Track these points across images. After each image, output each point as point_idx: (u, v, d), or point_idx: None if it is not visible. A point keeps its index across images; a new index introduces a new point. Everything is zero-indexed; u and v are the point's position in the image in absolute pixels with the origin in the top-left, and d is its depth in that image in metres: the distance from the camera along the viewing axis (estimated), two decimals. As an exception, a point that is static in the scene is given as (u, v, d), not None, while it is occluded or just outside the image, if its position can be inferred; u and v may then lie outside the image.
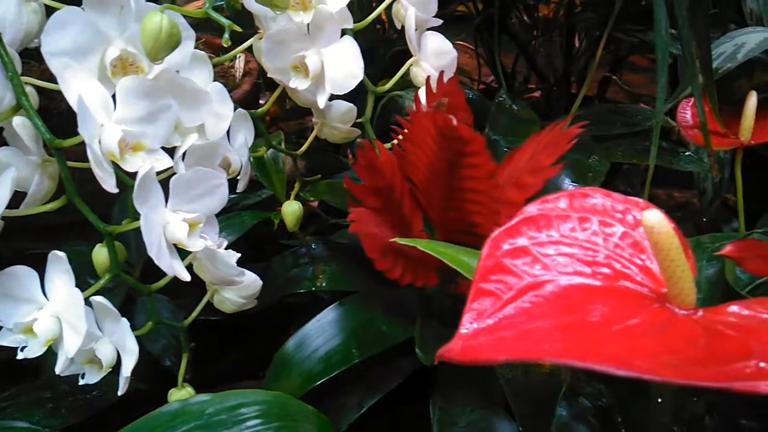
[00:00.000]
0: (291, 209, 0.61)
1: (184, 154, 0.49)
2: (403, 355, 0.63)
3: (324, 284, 0.71)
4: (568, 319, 0.26)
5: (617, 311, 0.26)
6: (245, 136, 0.56)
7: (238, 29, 0.45)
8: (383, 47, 1.02)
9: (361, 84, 0.54)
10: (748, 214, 0.76)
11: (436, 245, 0.38)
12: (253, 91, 0.94)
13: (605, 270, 0.28)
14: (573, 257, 0.29)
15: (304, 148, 0.64)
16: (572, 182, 0.79)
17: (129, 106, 0.44)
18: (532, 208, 0.30)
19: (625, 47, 1.13)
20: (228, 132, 0.58)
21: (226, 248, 0.51)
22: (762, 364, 0.22)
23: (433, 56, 0.54)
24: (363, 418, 0.62)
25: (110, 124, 0.42)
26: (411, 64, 0.56)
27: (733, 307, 0.26)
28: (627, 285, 0.28)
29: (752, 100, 0.59)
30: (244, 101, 0.96)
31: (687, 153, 0.83)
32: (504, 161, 0.54)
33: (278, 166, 0.67)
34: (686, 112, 0.60)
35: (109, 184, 0.42)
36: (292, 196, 0.63)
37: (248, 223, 0.66)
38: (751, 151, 1.02)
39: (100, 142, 0.42)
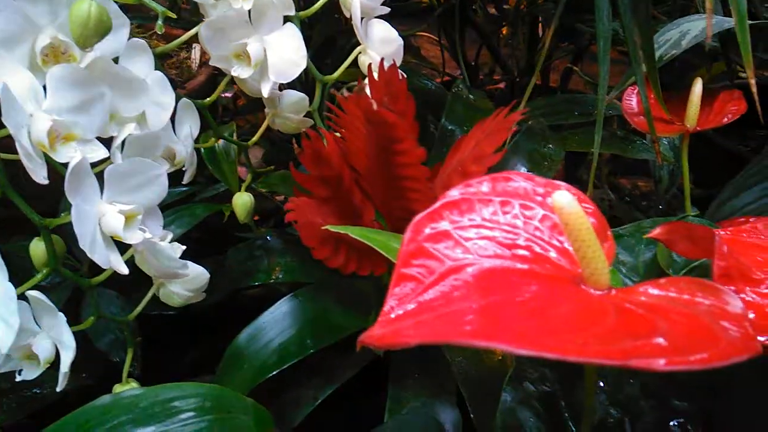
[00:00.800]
0: (241, 201, 0.60)
1: (122, 144, 0.48)
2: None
3: (281, 276, 0.70)
4: (486, 302, 0.26)
5: (534, 293, 0.27)
6: (190, 126, 0.55)
7: (173, 15, 0.44)
8: (343, 38, 1.02)
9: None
10: (707, 200, 0.77)
11: (368, 232, 0.38)
12: (211, 81, 0.93)
13: (525, 253, 0.28)
14: (494, 240, 0.29)
15: (255, 138, 0.63)
16: (528, 171, 0.80)
17: (60, 96, 0.42)
18: (454, 193, 0.29)
19: (586, 38, 1.14)
20: (174, 123, 0.57)
21: (180, 241, 0.51)
22: (661, 341, 0.22)
23: (380, 44, 0.54)
24: (319, 411, 0.62)
25: (39, 114, 0.41)
26: (359, 53, 0.56)
27: (647, 288, 0.26)
28: (545, 267, 0.28)
29: (697, 87, 0.60)
30: (201, 92, 0.95)
31: (641, 141, 0.84)
32: (452, 150, 0.54)
33: (230, 157, 0.66)
34: (631, 100, 0.61)
35: (39, 176, 0.41)
36: (242, 188, 0.63)
37: (200, 214, 0.65)
38: (708, 140, 1.04)
39: (29, 132, 0.41)
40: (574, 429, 0.43)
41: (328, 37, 1.03)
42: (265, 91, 0.51)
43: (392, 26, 1.21)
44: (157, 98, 0.50)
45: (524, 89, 1.29)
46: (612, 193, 1.31)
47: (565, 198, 0.25)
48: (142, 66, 0.51)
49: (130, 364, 0.59)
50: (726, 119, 0.59)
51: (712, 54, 1.07)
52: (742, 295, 0.32)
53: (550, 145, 0.81)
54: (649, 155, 0.86)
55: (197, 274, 0.53)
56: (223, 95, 1.04)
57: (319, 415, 0.63)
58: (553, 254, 0.28)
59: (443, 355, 0.58)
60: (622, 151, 0.80)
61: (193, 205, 0.65)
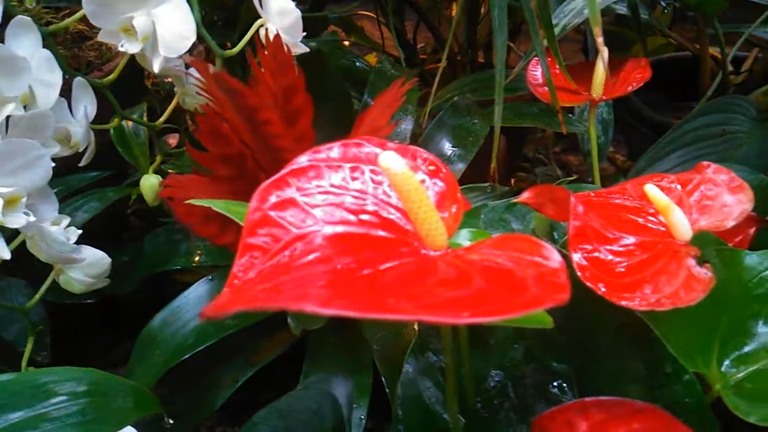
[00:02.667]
0: (149, 183, 0.59)
1: (6, 126, 0.46)
2: (281, 328, 0.62)
3: (202, 259, 0.69)
4: (330, 269, 0.26)
5: (376, 258, 0.26)
6: (85, 106, 0.53)
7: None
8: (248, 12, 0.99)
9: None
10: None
11: (231, 205, 0.37)
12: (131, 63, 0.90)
13: (371, 218, 0.28)
14: (341, 206, 0.28)
15: (162, 119, 0.62)
16: (452, 146, 0.80)
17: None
18: (302, 159, 0.29)
19: (521, 15, 1.15)
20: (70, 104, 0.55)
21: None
22: (470, 294, 0.22)
23: (278, 16, 0.52)
24: (242, 393, 0.62)
25: None
26: (259, 26, 0.54)
27: (482, 246, 0.26)
28: (389, 230, 0.28)
29: (603, 56, 0.60)
30: (122, 75, 0.92)
31: (569, 115, 0.85)
32: (355, 124, 0.53)
33: (140, 139, 0.64)
34: (536, 71, 0.61)
35: None
36: (150, 170, 0.61)
37: (111, 197, 0.63)
38: (638, 112, 1.06)
39: None
40: (484, 395, 0.44)
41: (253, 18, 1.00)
42: (156, 66, 0.49)
43: (332, 5, 1.19)
44: (44, 77, 0.49)
45: (465, 66, 1.28)
46: (559, 170, 1.33)
47: (389, 159, 0.25)
48: (28, 44, 0.49)
49: (39, 353, 0.58)
50: (630, 87, 0.60)
51: (649, 27, 1.09)
52: (597, 254, 0.32)
53: (476, 121, 0.81)
54: (577, 128, 0.87)
55: (96, 259, 0.51)
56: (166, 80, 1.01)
57: (242, 397, 0.63)
58: (397, 217, 0.28)
59: (362, 333, 0.59)
60: (547, 125, 0.81)
61: (102, 189, 0.63)
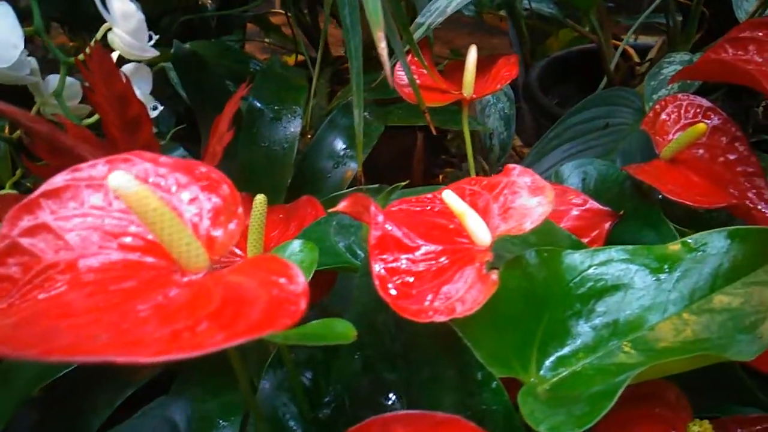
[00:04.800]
0: (1, 199, 0.55)
1: None
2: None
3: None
4: (79, 308, 0.24)
5: (134, 290, 0.25)
6: None
7: None
8: (168, 17, 0.96)
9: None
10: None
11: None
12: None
13: (133, 241, 0.27)
14: (99, 230, 0.27)
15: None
16: (345, 146, 0.79)
17: None
18: (57, 179, 0.27)
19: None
20: None
21: None
22: (204, 324, 0.21)
23: (122, 19, 0.50)
24: (122, 413, 0.59)
25: None
26: (106, 30, 0.52)
27: (237, 270, 0.25)
28: (152, 254, 0.26)
29: (472, 54, 0.60)
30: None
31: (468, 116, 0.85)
32: (211, 130, 0.51)
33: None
34: (403, 71, 0.60)
35: None
36: (8, 185, 0.58)
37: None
38: (542, 107, 1.06)
39: None
40: (325, 410, 0.43)
41: (153, 16, 0.97)
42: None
43: (247, 4, 1.15)
44: None
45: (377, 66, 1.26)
46: (486, 164, 1.34)
47: (118, 180, 0.23)
48: None
49: None
50: (499, 86, 0.60)
51: (557, 21, 1.10)
52: (397, 264, 0.31)
53: (371, 121, 0.80)
54: (477, 126, 0.87)
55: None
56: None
57: (121, 417, 0.60)
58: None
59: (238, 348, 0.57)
60: (443, 124, 0.81)
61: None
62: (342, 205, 0.35)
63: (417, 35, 0.58)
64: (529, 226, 0.32)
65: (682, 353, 0.32)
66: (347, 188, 0.75)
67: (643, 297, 0.36)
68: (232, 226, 0.28)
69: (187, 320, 0.22)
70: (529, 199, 0.33)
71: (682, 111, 0.53)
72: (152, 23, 0.98)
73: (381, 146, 0.87)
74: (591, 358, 0.35)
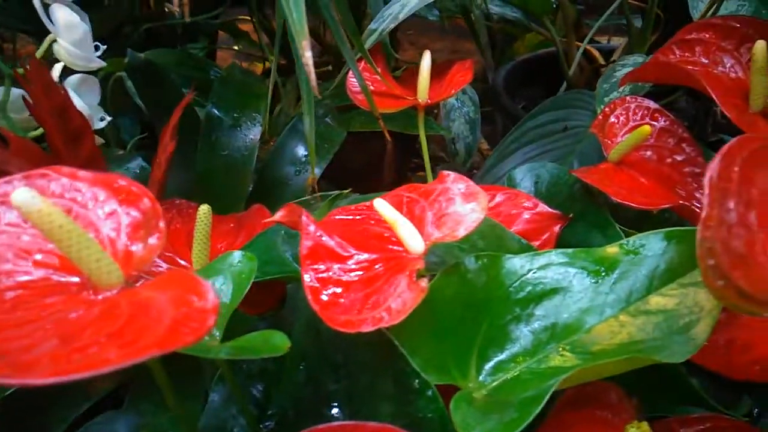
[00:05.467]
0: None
1: None
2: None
3: None
4: None
5: (45, 308, 0.24)
6: None
7: None
8: (131, 25, 0.95)
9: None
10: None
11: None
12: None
13: (49, 259, 0.26)
14: (15, 248, 0.26)
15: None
16: (307, 153, 0.78)
17: None
18: (-30, 197, 0.26)
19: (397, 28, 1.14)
20: None
21: None
22: (103, 340, 0.20)
23: (66, 30, 0.49)
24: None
25: None
26: (51, 41, 0.51)
27: (150, 285, 0.25)
28: (63, 271, 0.26)
29: (426, 60, 0.60)
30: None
31: (427, 118, 0.85)
32: (159, 144, 0.51)
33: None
34: (355, 78, 0.60)
35: None
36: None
37: None
38: (503, 107, 1.07)
39: None
40: (269, 422, 0.42)
41: (115, 25, 0.96)
42: None
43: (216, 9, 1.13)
44: None
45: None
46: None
47: (21, 197, 0.22)
48: None
49: None
50: (453, 90, 0.60)
51: (522, 25, 1.11)
52: (329, 273, 0.31)
53: (332, 127, 0.80)
54: (441, 131, 0.88)
55: None
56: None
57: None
58: (73, 255, 0.26)
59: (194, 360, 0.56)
60: (403, 128, 0.81)
61: None
62: (278, 215, 0.34)
63: (370, 41, 0.58)
64: (462, 232, 0.32)
65: (617, 355, 0.33)
66: (309, 195, 0.75)
67: (581, 300, 0.36)
68: (152, 240, 0.27)
69: (89, 339, 0.21)
70: (462, 206, 0.33)
71: (630, 113, 0.53)
72: (114, 32, 0.97)
73: (351, 151, 0.87)
74: (529, 362, 0.35)
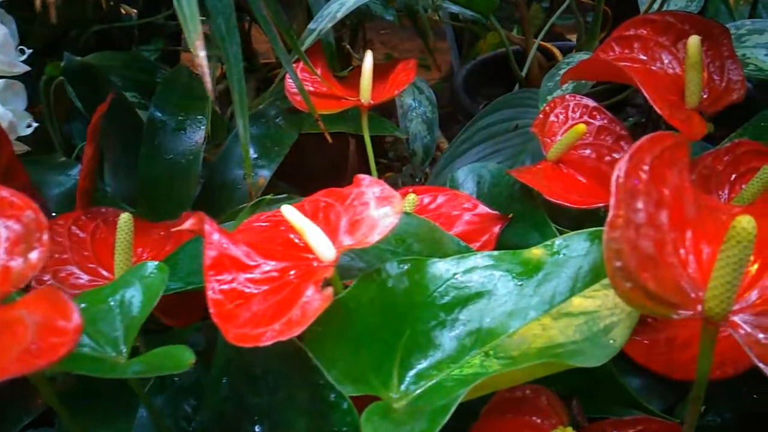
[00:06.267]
0: None
1: None
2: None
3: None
4: None
5: None
6: None
7: None
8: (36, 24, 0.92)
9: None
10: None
11: None
12: None
13: None
14: None
15: None
16: (257, 156, 0.77)
17: None
18: None
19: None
20: None
21: None
22: None
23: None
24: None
25: None
26: (-32, 46, 0.49)
27: (21, 302, 0.23)
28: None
29: (367, 60, 0.59)
30: None
31: (378, 119, 0.84)
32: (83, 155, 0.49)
33: None
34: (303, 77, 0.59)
35: None
36: None
37: None
38: (462, 106, 1.06)
39: None
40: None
41: (57, 32, 0.93)
42: None
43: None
44: None
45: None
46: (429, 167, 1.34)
47: None
48: None
49: None
50: (396, 90, 0.59)
51: (482, 24, 1.11)
52: (233, 285, 0.30)
53: (283, 128, 0.78)
54: (393, 132, 0.87)
55: None
56: None
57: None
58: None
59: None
60: (356, 130, 0.79)
61: None
62: (187, 224, 0.33)
63: (308, 42, 0.57)
64: (376, 238, 0.31)
65: (535, 359, 0.32)
66: (259, 197, 0.73)
67: (506, 303, 0.35)
68: (33, 255, 0.26)
69: None
70: (376, 210, 0.32)
71: (570, 112, 0.53)
72: (62, 35, 0.94)
73: (313, 151, 0.85)
74: (452, 369, 0.34)
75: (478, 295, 0.36)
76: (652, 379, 0.47)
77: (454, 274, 0.36)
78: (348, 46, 1.08)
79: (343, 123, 0.81)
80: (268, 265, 0.30)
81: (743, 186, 0.50)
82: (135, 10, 1.22)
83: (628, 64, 0.53)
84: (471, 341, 0.34)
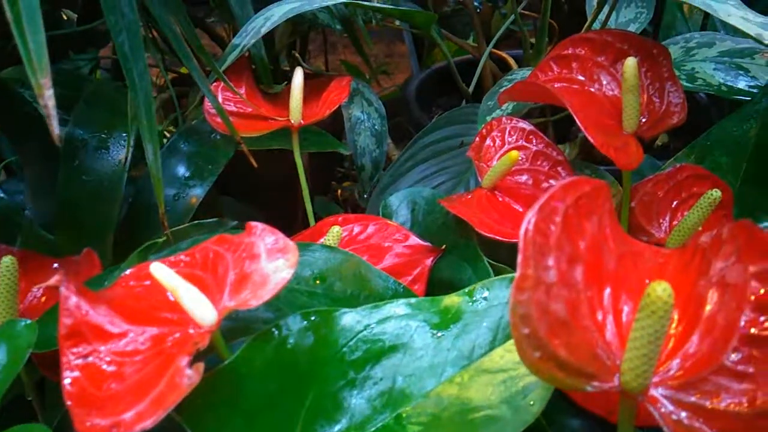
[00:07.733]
0: None
1: None
2: None
3: None
4: None
5: None
6: None
7: None
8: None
9: None
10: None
11: None
12: None
13: None
14: None
15: None
16: (188, 174, 0.72)
17: None
18: None
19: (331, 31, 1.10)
20: None
21: None
22: None
23: None
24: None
25: None
26: None
27: None
28: None
29: (297, 78, 0.55)
30: None
31: (324, 136, 0.80)
32: None
33: None
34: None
35: None
36: None
37: None
38: (413, 118, 1.04)
39: None
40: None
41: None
42: None
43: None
44: None
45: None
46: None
47: None
48: None
49: None
50: (328, 111, 0.56)
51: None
52: (92, 358, 0.26)
53: (218, 145, 0.74)
54: (336, 147, 0.83)
55: None
56: None
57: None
58: None
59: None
60: (308, 147, 0.76)
61: None
62: (52, 281, 0.28)
63: (231, 58, 0.53)
64: (266, 296, 0.27)
65: (449, 427, 0.29)
66: (191, 220, 0.69)
67: (422, 358, 0.32)
68: None
69: None
70: (267, 264, 0.28)
71: (506, 135, 0.50)
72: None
73: (268, 164, 0.81)
74: (361, 436, 0.30)
75: (393, 348, 0.32)
76: (591, 420, 0.45)
77: (366, 325, 0.33)
78: (298, 55, 1.04)
79: (282, 139, 0.77)
80: (138, 334, 0.27)
81: (685, 213, 0.48)
82: (76, 15, 1.16)
83: (565, 85, 0.50)
84: (382, 403, 0.31)
